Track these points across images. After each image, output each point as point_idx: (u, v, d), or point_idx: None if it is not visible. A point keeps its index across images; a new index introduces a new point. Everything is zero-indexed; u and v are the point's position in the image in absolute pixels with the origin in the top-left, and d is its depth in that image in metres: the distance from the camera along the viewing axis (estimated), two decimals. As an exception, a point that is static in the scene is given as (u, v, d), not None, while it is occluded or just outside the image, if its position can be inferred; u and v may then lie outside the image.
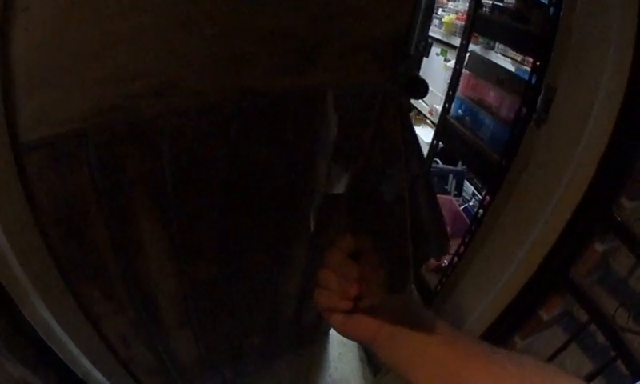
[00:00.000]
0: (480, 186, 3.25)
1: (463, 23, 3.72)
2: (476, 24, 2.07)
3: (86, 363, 1.39)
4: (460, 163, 3.47)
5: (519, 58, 3.09)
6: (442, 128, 2.27)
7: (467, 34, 2.12)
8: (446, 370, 0.61)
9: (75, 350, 1.32)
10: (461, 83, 2.18)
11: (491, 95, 2.01)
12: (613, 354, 1.29)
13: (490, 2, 2.32)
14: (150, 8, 0.92)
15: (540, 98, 1.40)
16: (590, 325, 1.37)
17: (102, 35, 0.90)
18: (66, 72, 0.91)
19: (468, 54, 2.20)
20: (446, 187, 3.31)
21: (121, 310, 1.45)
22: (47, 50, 0.86)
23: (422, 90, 1.41)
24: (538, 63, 1.48)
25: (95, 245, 1.23)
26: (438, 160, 3.29)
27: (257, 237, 1.53)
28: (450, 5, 4.29)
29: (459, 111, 2.19)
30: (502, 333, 1.64)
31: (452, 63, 3.81)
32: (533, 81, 1.50)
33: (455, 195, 3.24)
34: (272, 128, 1.27)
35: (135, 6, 0.91)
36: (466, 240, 1.89)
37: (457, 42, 3.82)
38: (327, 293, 0.70)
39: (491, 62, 2.51)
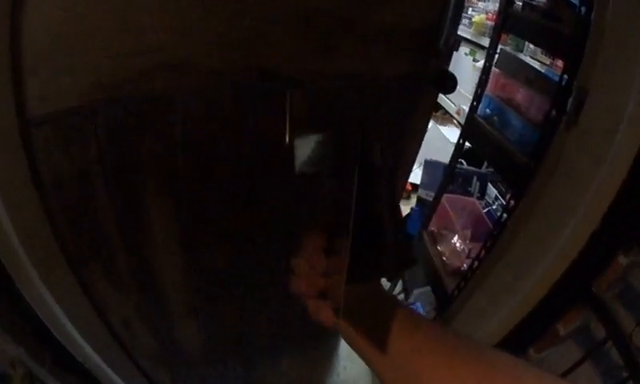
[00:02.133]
0: (503, 189, 3.22)
1: (492, 23, 3.69)
2: (507, 22, 2.04)
3: (85, 347, 1.38)
4: (485, 166, 3.44)
5: (548, 61, 3.05)
6: (469, 127, 2.24)
7: (498, 31, 2.09)
8: (404, 371, 0.64)
9: (75, 333, 1.32)
10: (489, 81, 2.15)
11: (520, 95, 1.98)
12: (625, 374, 1.26)
13: (521, 1, 2.29)
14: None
15: (571, 100, 1.36)
16: (606, 342, 1.33)
17: (114, 8, 0.90)
18: (76, 45, 0.90)
19: (498, 52, 2.16)
20: (470, 189, 3.28)
21: (125, 295, 1.45)
22: (56, 22, 0.86)
23: (450, 84, 1.39)
24: (568, 64, 1.45)
25: (101, 226, 1.22)
26: (462, 161, 3.26)
27: (269, 226, 1.52)
28: (480, 4, 4.26)
29: (487, 110, 2.16)
30: (518, 344, 1.61)
31: (481, 63, 3.79)
32: (563, 82, 1.47)
33: (478, 198, 3.21)
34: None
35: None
36: (488, 245, 1.86)
37: (486, 42, 3.77)
38: (297, 279, 0.76)
39: (521, 60, 2.47)
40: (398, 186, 1.90)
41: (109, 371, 1.55)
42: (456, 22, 1.32)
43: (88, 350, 1.40)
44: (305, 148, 0.71)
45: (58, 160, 1.03)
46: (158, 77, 1.02)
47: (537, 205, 1.49)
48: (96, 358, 1.45)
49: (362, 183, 0.65)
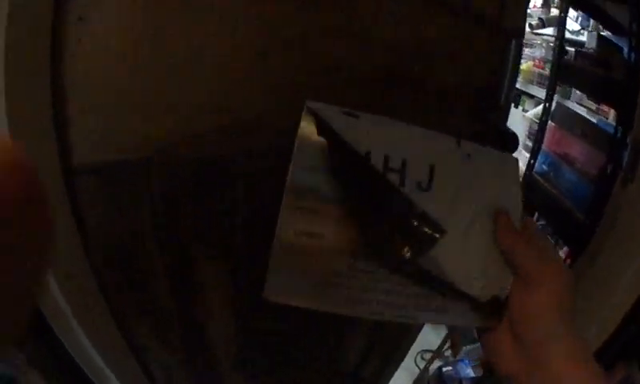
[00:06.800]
0: (555, 242, 3.16)
1: (540, 71, 3.69)
2: (559, 71, 2.04)
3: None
4: (535, 216, 3.39)
5: (594, 106, 3.04)
6: (527, 185, 2.23)
7: (552, 83, 2.09)
8: None
9: (114, 381, 1.34)
10: (545, 136, 2.15)
11: (576, 149, 1.97)
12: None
13: (572, 49, 2.28)
14: (227, 33, 0.92)
15: (626, 153, 1.36)
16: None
17: (169, 58, 0.89)
18: (128, 94, 0.89)
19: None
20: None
21: (169, 349, 1.45)
22: (105, 67, 0.85)
23: (512, 144, 1.39)
24: (621, 113, 1.45)
25: (149, 281, 1.22)
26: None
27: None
28: (527, 51, 4.23)
29: (543, 166, 2.15)
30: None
31: (530, 113, 3.78)
32: (618, 134, 1.46)
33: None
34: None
35: (212, 31, 0.90)
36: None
37: (534, 90, 3.78)
38: None
39: (575, 112, 2.46)
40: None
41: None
42: (515, 75, 1.33)
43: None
44: None
45: (106, 212, 1.05)
46: (218, 138, 1.02)
47: (592, 266, 1.46)
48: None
49: None
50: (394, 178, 0.70)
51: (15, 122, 0.79)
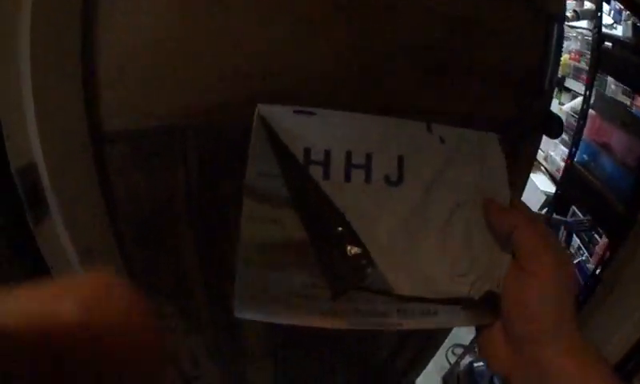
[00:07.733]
0: (587, 240, 3.15)
1: (576, 63, 3.68)
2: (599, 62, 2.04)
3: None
4: (570, 215, 3.38)
5: (628, 101, 3.01)
6: (568, 175, 2.22)
7: (593, 72, 2.08)
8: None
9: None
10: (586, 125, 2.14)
11: (615, 138, 1.96)
12: None
13: (609, 44, 2.27)
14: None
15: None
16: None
17: (207, 21, 0.85)
18: (163, 58, 0.85)
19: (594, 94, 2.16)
20: (555, 239, 3.20)
21: (197, 330, 1.43)
22: (139, 29, 0.81)
23: (557, 128, 1.38)
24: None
25: (178, 256, 1.15)
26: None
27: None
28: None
29: (584, 156, 2.14)
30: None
31: (567, 106, 3.75)
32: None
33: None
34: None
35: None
36: (580, 299, 1.82)
37: (570, 83, 3.76)
38: None
39: (616, 101, 2.44)
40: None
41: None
42: (558, 61, 1.32)
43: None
44: None
45: (135, 182, 0.98)
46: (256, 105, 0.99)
47: (635, 256, 1.45)
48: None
49: None
50: (358, 174, 0.66)
51: (40, 83, 0.75)
